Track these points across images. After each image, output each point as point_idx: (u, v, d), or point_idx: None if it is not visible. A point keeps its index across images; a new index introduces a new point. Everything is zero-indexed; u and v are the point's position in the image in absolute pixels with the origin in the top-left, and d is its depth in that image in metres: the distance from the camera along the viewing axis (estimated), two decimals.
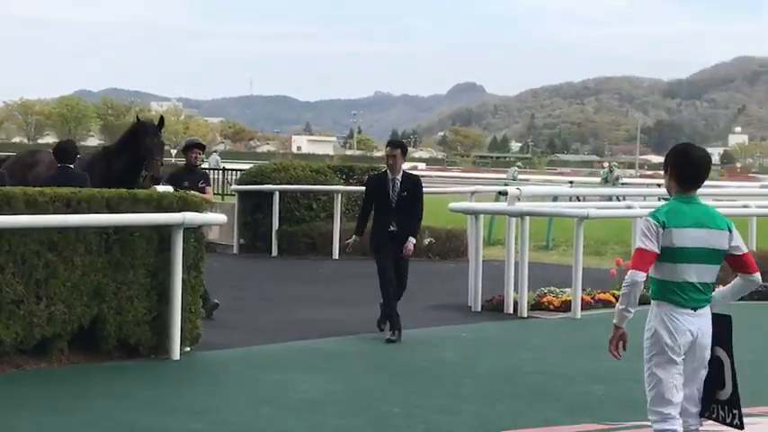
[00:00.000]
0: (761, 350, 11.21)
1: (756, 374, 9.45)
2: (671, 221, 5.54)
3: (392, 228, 11.35)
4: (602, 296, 14.18)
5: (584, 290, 13.79)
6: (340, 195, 20.69)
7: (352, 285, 16.35)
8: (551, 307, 13.58)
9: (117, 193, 9.92)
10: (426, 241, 20.32)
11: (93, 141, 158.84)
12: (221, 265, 16.87)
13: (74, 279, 9.32)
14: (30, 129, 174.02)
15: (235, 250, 20.57)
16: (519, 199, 15.05)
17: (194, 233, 10.27)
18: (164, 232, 9.91)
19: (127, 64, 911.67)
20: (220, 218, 11.21)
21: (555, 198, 22.79)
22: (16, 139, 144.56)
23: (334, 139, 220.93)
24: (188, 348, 10.15)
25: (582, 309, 13.40)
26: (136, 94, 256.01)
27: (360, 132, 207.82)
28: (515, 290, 13.40)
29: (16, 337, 8.96)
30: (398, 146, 11.87)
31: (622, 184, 41.24)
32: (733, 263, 5.69)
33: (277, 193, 20.32)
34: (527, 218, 13.84)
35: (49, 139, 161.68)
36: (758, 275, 5.75)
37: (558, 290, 14.03)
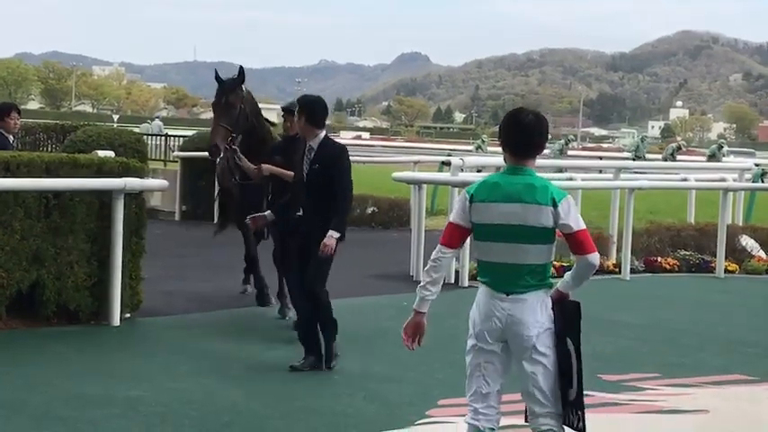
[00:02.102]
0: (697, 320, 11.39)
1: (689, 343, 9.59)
2: (479, 195, 5.00)
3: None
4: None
5: None
6: None
7: None
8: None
9: (57, 157, 9.80)
10: (369, 210, 20.37)
11: (34, 105, 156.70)
12: (163, 232, 16.76)
13: (12, 243, 9.22)
14: None
15: (177, 217, 20.45)
16: (462, 169, 15.09)
17: (135, 199, 10.19)
18: (105, 198, 9.82)
19: (69, 27, 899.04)
20: (162, 183, 11.14)
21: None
22: None
23: (278, 107, 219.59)
24: (128, 315, 10.09)
25: None
26: (78, 58, 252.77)
27: None
28: (456, 260, 13.46)
29: None
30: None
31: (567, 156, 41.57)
32: (568, 243, 5.05)
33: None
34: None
35: None
36: (592, 257, 5.05)
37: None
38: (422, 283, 5.08)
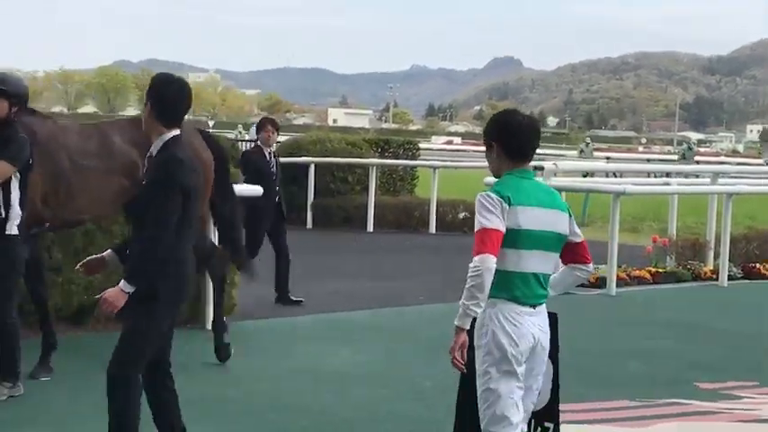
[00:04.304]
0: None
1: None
2: (517, 198, 4.60)
3: None
4: (637, 273, 14.11)
5: (619, 266, 13.71)
6: (375, 168, 20.68)
7: (384, 258, 16.34)
8: (586, 283, 13.51)
9: None
10: (461, 215, 20.29)
11: (132, 112, 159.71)
12: None
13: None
14: (69, 98, 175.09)
15: None
16: (555, 174, 14.96)
17: None
18: None
19: (166, 35, 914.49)
20: (256, 189, 11.22)
21: (585, 174, 22.67)
22: (56, 109, 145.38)
23: (370, 112, 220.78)
24: None
25: (617, 285, 13.33)
26: (174, 65, 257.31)
27: (396, 106, 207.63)
28: None
29: (55, 305, 9.02)
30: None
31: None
32: (568, 251, 4.85)
33: (313, 165, 20.30)
34: (562, 193, 13.76)
35: (89, 108, 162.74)
36: (591, 265, 5.01)
37: (593, 266, 13.93)
38: (470, 302, 4.51)
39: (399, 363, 8.98)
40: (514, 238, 4.57)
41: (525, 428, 4.75)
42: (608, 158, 43.39)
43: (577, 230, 4.86)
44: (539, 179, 16.69)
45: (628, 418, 7.35)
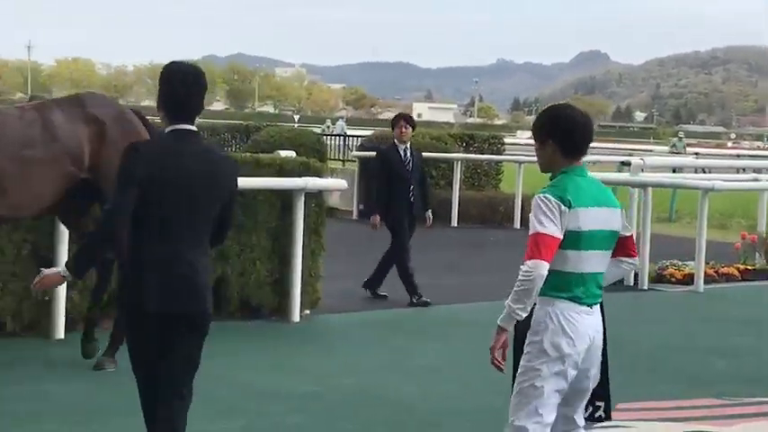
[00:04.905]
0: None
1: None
2: (577, 200, 4.50)
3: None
4: (725, 270, 13.93)
5: (707, 263, 13.54)
6: (459, 163, 20.68)
7: (469, 253, 16.34)
8: (673, 280, 13.37)
9: (241, 156, 10.09)
10: None
11: (219, 106, 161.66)
12: (341, 231, 17.02)
13: None
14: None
15: (354, 216, 20.73)
16: (642, 170, 14.82)
17: (315, 198, 10.39)
18: (286, 197, 10.05)
19: (253, 30, 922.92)
20: (340, 183, 11.31)
21: (674, 170, 22.39)
22: (146, 102, 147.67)
23: (455, 106, 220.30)
24: (307, 311, 10.30)
25: (705, 282, 13.17)
26: (261, 60, 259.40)
27: (481, 100, 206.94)
28: None
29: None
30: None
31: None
32: (618, 245, 4.72)
33: None
34: (649, 189, 13.65)
35: None
36: (638, 259, 4.96)
37: (680, 263, 13.81)
38: (517, 306, 4.46)
39: (484, 357, 8.97)
40: (576, 240, 4.50)
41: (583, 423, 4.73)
42: (696, 154, 42.77)
43: (627, 224, 4.77)
44: (625, 175, 16.45)
45: (712, 417, 7.29)
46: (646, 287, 12.98)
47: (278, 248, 10.06)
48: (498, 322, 4.58)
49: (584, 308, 4.56)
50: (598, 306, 4.65)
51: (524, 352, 4.65)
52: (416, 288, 11.38)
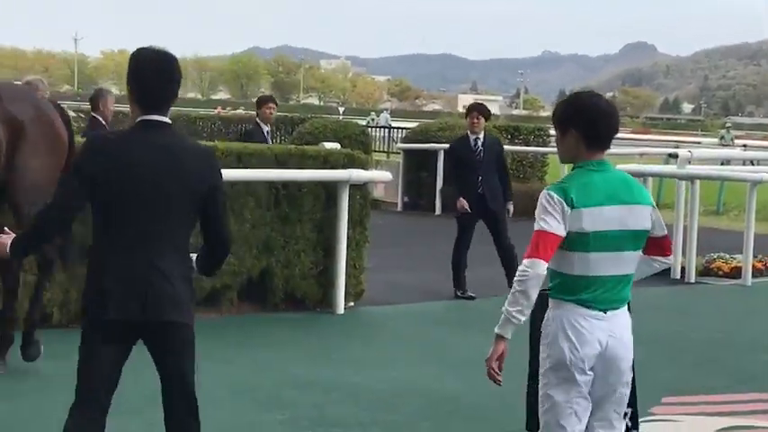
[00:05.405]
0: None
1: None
2: (581, 199, 4.20)
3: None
4: None
5: (755, 256, 13.41)
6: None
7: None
8: (720, 273, 13.26)
9: (286, 148, 10.12)
10: None
11: None
12: (386, 223, 17.02)
13: (244, 232, 9.56)
14: (203, 85, 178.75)
15: (399, 208, 20.73)
16: (689, 162, 14.70)
17: (360, 190, 10.39)
18: (330, 188, 10.06)
19: (298, 22, 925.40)
20: (385, 175, 11.31)
21: (722, 162, 22.17)
22: (191, 95, 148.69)
23: (501, 98, 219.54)
24: (352, 303, 10.31)
25: (753, 276, 13.04)
26: (306, 52, 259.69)
27: (526, 92, 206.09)
28: (683, 255, 13.12)
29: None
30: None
31: None
32: (650, 244, 4.41)
33: (441, 151, 20.29)
34: (697, 181, 13.53)
35: (222, 95, 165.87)
36: (672, 257, 4.66)
37: (728, 256, 13.68)
38: (516, 307, 4.24)
39: (527, 350, 8.95)
40: (582, 242, 4.22)
41: None
42: (744, 146, 42.34)
43: (662, 223, 4.42)
44: (672, 167, 16.28)
45: (760, 411, 7.22)
46: (693, 280, 12.87)
47: (322, 240, 10.08)
48: (495, 330, 4.38)
49: (595, 312, 4.27)
50: (619, 311, 4.33)
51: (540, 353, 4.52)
52: (464, 283, 11.37)
